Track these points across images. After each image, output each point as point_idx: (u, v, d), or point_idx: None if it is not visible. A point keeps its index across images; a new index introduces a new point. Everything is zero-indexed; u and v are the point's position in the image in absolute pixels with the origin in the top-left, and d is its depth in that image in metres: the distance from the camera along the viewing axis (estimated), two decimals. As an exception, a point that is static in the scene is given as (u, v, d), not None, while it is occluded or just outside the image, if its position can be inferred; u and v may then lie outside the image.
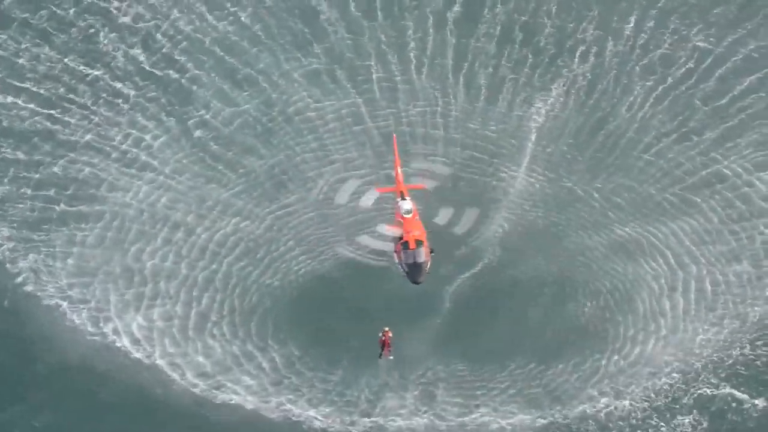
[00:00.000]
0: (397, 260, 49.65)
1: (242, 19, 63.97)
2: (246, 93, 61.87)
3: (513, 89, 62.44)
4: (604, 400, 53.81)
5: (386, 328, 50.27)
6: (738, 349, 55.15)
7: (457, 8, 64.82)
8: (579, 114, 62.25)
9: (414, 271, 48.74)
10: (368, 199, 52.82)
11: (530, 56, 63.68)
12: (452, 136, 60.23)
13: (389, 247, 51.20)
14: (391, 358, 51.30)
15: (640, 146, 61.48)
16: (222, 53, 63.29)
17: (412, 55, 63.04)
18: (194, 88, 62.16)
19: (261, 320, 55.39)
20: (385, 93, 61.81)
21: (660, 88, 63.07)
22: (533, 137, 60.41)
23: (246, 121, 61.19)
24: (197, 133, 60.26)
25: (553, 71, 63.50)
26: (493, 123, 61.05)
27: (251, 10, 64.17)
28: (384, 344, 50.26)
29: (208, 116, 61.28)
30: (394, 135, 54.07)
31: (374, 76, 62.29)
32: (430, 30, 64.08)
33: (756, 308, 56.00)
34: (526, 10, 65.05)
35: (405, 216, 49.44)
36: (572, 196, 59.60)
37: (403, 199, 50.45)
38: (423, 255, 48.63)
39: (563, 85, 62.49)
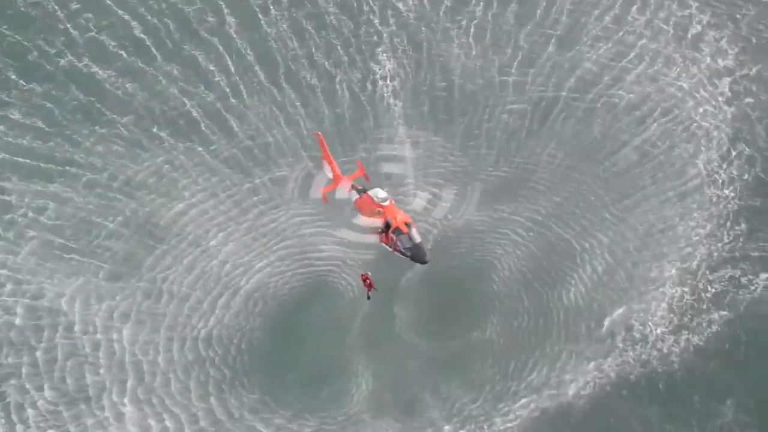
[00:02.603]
0: (392, 249, 48.88)
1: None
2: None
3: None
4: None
5: (363, 273, 51.31)
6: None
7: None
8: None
9: (417, 252, 48.08)
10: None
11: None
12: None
13: (369, 239, 49.86)
14: (376, 290, 51.58)
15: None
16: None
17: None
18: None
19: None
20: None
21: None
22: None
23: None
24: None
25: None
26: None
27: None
28: (368, 285, 51.22)
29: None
30: (318, 133, 52.06)
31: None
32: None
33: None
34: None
35: (383, 204, 48.63)
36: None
37: (363, 190, 49.81)
38: (418, 235, 48.38)
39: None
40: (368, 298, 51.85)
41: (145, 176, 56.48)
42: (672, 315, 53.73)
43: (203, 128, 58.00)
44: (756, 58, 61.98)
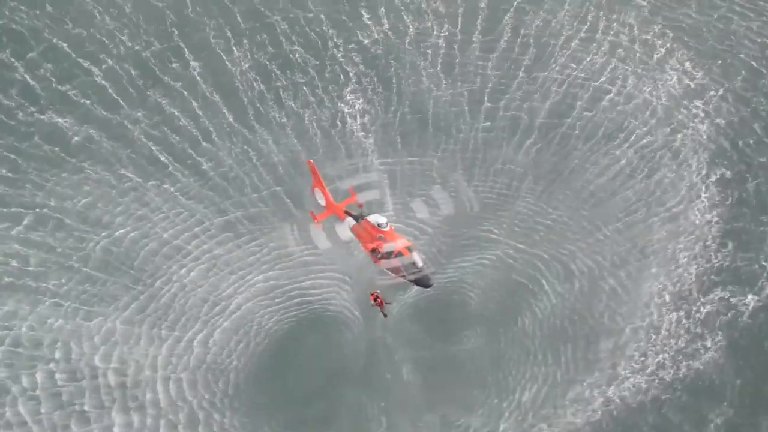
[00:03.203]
0: (394, 274, 48.12)
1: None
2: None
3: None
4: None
5: (371, 292, 50.53)
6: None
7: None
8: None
9: (421, 276, 47.65)
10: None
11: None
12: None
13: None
14: (389, 303, 51.41)
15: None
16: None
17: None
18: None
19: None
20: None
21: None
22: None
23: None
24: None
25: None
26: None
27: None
28: (379, 303, 50.57)
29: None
30: (310, 161, 51.50)
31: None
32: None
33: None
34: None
35: (383, 229, 48.29)
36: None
37: (360, 216, 49.50)
38: (420, 259, 47.88)
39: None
40: (384, 315, 51.24)
41: (114, 216, 55.03)
42: (671, 340, 53.17)
43: (171, 170, 56.53)
44: (723, 78, 62.15)
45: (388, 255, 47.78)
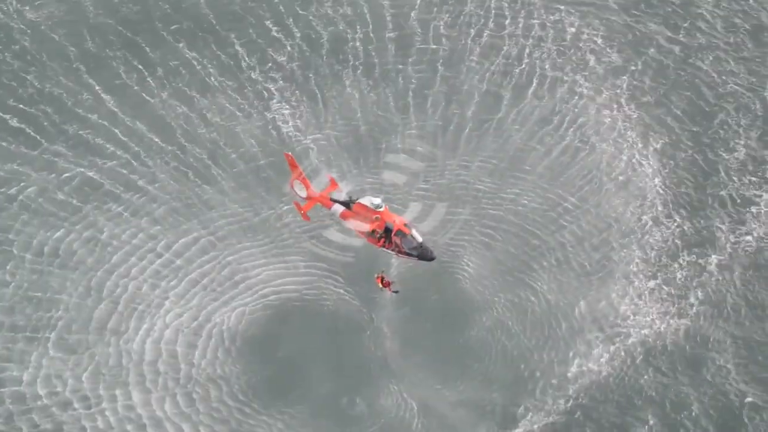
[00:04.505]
0: (396, 252, 49.56)
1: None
2: None
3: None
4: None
5: (377, 275, 51.67)
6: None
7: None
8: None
9: (424, 251, 49.03)
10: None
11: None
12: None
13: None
14: (394, 282, 51.96)
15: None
16: None
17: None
18: None
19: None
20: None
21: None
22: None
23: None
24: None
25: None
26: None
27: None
28: (386, 284, 51.64)
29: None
30: (287, 153, 51.31)
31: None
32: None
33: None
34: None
35: (379, 210, 49.26)
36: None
37: (350, 201, 50.31)
38: (419, 235, 49.19)
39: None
40: (396, 292, 51.88)
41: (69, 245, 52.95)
42: (655, 304, 53.46)
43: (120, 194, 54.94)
44: (636, 54, 63.19)
45: (389, 234, 49.07)
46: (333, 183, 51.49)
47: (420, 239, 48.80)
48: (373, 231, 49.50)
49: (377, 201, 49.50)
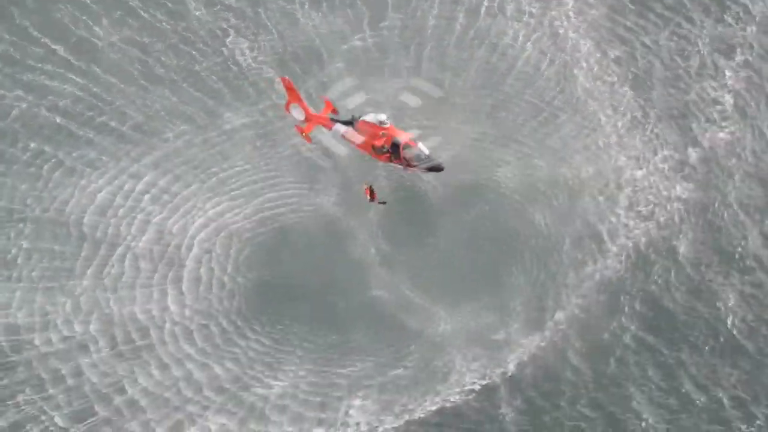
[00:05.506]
0: (404, 166, 50.66)
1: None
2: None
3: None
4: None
5: (365, 186, 52.36)
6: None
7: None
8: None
9: (433, 162, 50.11)
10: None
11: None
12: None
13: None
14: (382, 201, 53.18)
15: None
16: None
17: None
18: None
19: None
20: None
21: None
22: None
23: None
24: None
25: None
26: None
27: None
28: (371, 195, 52.31)
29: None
30: (284, 77, 51.82)
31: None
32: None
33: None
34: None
35: (385, 126, 50.13)
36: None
37: (353, 119, 50.77)
38: (425, 147, 50.16)
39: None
40: (384, 203, 52.84)
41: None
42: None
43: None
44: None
45: (397, 149, 49.77)
46: (328, 104, 51.57)
47: (427, 152, 49.59)
48: (381, 147, 50.08)
49: (382, 117, 50.12)
